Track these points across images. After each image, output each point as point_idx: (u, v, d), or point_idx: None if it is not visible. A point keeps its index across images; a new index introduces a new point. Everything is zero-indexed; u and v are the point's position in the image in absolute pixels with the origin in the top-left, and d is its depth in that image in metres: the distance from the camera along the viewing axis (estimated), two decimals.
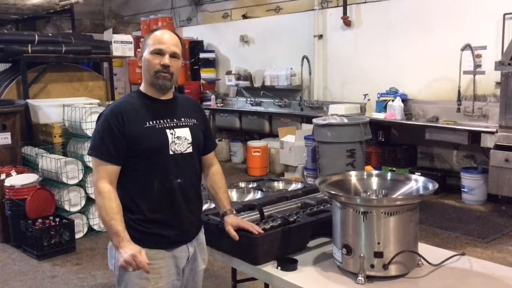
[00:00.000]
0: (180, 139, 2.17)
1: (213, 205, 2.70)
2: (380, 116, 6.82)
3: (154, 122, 2.14)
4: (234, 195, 2.97)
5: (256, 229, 2.19)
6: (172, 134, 2.15)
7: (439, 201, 6.25)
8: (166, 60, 2.12)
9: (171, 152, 2.14)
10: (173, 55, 2.15)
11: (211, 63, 9.80)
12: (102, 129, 2.12)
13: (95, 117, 4.31)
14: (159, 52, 2.13)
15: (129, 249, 1.98)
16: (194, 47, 9.96)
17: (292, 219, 2.33)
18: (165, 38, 2.15)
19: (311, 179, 6.59)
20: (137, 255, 1.96)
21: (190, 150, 2.20)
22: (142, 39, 2.26)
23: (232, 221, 2.25)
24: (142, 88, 2.24)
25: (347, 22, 7.61)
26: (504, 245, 4.84)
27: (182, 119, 2.21)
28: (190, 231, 2.23)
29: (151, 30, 2.25)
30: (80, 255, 4.87)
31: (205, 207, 2.69)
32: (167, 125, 2.16)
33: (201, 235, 2.32)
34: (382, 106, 6.89)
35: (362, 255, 1.96)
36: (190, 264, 2.26)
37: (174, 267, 2.19)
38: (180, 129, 2.18)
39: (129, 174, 2.12)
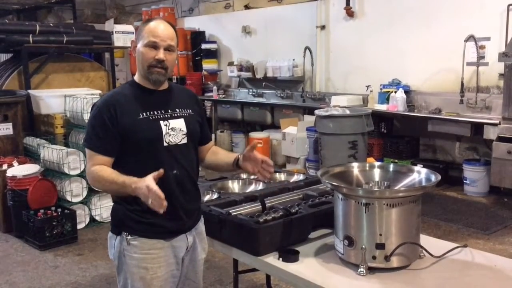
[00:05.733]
0: (175, 130, 2.15)
1: (214, 196, 2.70)
2: (383, 107, 6.79)
3: (148, 113, 2.12)
4: (235, 186, 2.97)
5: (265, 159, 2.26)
6: (166, 125, 2.13)
7: (441, 193, 6.24)
8: (161, 54, 2.09)
9: (165, 144, 2.13)
10: (167, 48, 2.12)
11: (213, 54, 9.75)
12: (95, 120, 2.12)
13: None
14: (153, 46, 2.09)
15: (141, 184, 1.92)
16: (196, 38, 9.89)
17: (294, 211, 2.33)
18: (160, 31, 2.10)
19: (313, 170, 6.58)
20: (150, 184, 1.89)
21: (185, 141, 2.18)
22: None
23: (245, 153, 2.28)
24: (136, 78, 2.21)
25: (350, 13, 7.56)
26: (506, 237, 4.84)
27: (177, 110, 2.20)
28: (188, 221, 2.22)
29: (145, 20, 2.21)
30: (82, 245, 4.88)
31: (206, 198, 2.70)
32: (161, 116, 2.14)
33: (201, 225, 2.32)
34: (384, 97, 6.86)
35: (364, 246, 1.95)
36: (190, 254, 2.26)
37: (173, 256, 2.19)
38: (175, 120, 2.17)
39: (124, 166, 2.10)
